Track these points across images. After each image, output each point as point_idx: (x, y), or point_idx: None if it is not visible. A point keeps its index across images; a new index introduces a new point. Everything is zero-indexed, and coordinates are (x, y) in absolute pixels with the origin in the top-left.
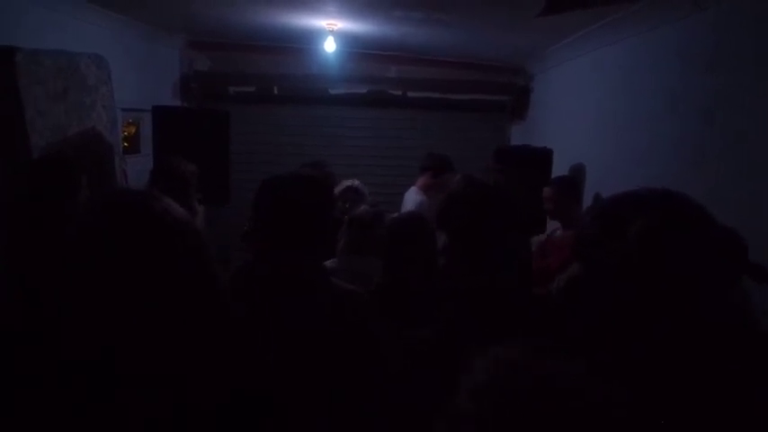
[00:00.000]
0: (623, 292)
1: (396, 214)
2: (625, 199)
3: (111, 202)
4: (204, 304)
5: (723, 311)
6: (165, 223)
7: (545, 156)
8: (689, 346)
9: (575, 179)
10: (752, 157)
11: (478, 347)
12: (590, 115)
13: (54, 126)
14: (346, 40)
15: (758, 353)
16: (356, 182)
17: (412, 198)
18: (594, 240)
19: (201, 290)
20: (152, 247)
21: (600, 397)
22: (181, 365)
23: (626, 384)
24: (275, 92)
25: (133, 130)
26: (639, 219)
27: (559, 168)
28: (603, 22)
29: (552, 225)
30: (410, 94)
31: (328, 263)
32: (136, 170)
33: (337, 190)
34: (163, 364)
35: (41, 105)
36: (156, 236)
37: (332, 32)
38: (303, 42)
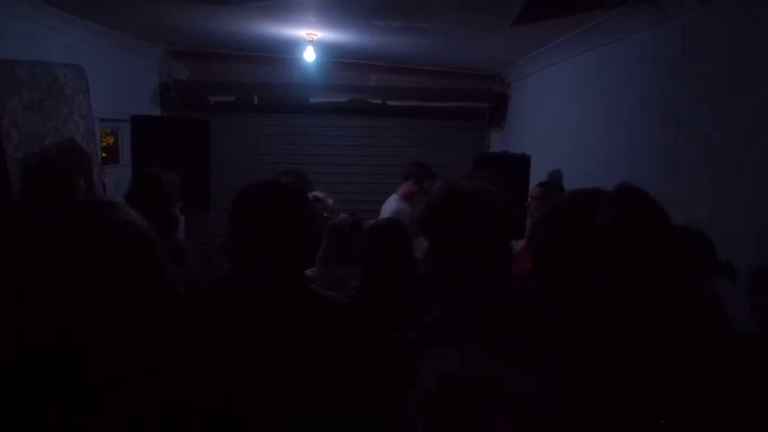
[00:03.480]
0: (601, 286)
1: (373, 221)
2: (585, 195)
3: (71, 212)
4: (158, 306)
5: (695, 306)
6: (117, 231)
7: (524, 162)
8: (670, 339)
9: (561, 184)
10: (722, 159)
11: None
12: (567, 122)
13: (30, 136)
14: (326, 49)
15: (729, 349)
16: (314, 192)
17: (390, 206)
18: (556, 239)
19: (155, 293)
20: (105, 252)
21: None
22: (146, 364)
23: (613, 378)
24: (255, 101)
25: (111, 140)
26: (605, 211)
27: (538, 174)
28: (578, 31)
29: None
30: (390, 102)
31: (308, 272)
32: (115, 180)
33: None
34: (127, 363)
35: (17, 116)
36: (110, 242)
37: (311, 42)
38: (283, 52)
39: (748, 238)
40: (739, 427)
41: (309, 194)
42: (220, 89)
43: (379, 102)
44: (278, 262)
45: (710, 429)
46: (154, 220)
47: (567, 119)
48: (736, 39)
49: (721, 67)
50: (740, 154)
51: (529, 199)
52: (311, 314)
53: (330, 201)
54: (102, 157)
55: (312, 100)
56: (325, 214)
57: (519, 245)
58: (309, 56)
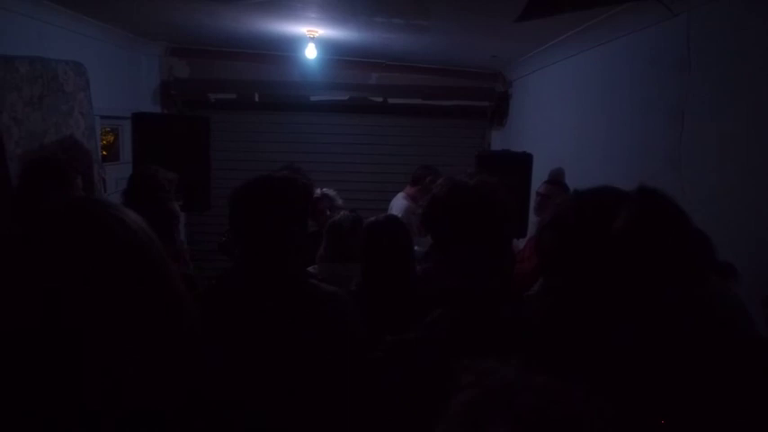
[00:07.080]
0: (608, 290)
1: (372, 218)
2: (603, 194)
3: (61, 209)
4: (157, 308)
5: (697, 307)
6: (106, 228)
7: (525, 160)
8: (671, 339)
9: (564, 183)
10: (724, 157)
11: (460, 352)
12: (568, 120)
13: (30, 133)
14: (327, 47)
15: (729, 350)
16: (324, 189)
17: (399, 204)
18: (566, 243)
19: (153, 295)
20: (93, 251)
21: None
22: (140, 369)
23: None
24: (256, 99)
25: (112, 137)
26: (624, 212)
27: (539, 173)
28: (579, 29)
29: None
30: (391, 100)
31: (310, 269)
32: (115, 178)
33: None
34: (120, 366)
35: (17, 112)
36: (98, 240)
37: (312, 39)
38: (284, 49)
39: (752, 237)
40: (740, 427)
41: (319, 191)
42: (221, 87)
43: (379, 100)
44: (276, 258)
45: (711, 430)
46: (152, 216)
47: (568, 117)
48: (743, 36)
49: (727, 65)
50: (744, 152)
51: (535, 196)
52: (309, 311)
53: (340, 200)
54: (103, 154)
55: (313, 98)
56: (328, 212)
57: (520, 243)
58: (311, 53)
